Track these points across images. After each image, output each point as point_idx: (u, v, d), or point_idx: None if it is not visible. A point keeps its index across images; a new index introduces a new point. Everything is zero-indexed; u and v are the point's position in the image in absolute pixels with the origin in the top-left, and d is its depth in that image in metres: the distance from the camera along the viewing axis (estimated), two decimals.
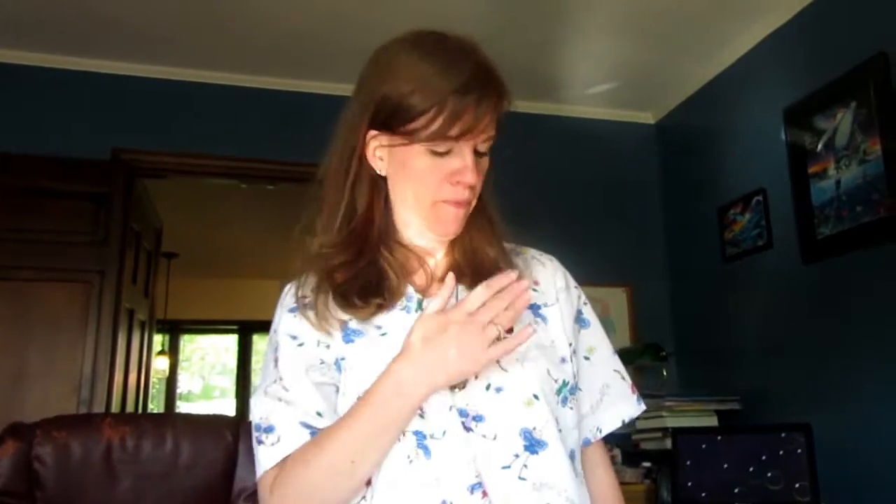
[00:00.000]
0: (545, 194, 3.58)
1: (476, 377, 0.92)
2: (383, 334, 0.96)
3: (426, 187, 0.97)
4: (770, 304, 2.98)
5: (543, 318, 1.03)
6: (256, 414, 0.96)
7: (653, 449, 3.05)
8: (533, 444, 0.92)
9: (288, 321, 1.00)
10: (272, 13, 2.95)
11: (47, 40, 3.14)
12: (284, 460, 0.91)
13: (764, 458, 2.52)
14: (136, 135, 3.27)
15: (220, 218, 5.46)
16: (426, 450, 0.90)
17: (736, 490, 2.51)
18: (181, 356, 8.28)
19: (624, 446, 3.20)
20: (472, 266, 1.03)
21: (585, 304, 1.12)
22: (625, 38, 3.21)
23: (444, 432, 0.90)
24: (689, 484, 2.63)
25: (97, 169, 3.16)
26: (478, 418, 0.92)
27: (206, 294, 7.18)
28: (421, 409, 0.90)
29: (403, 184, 0.99)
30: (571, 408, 1.00)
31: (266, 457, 0.92)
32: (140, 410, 3.88)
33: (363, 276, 0.99)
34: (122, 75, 3.33)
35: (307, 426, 0.92)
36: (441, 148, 0.94)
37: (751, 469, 2.52)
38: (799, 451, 2.46)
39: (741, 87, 3.26)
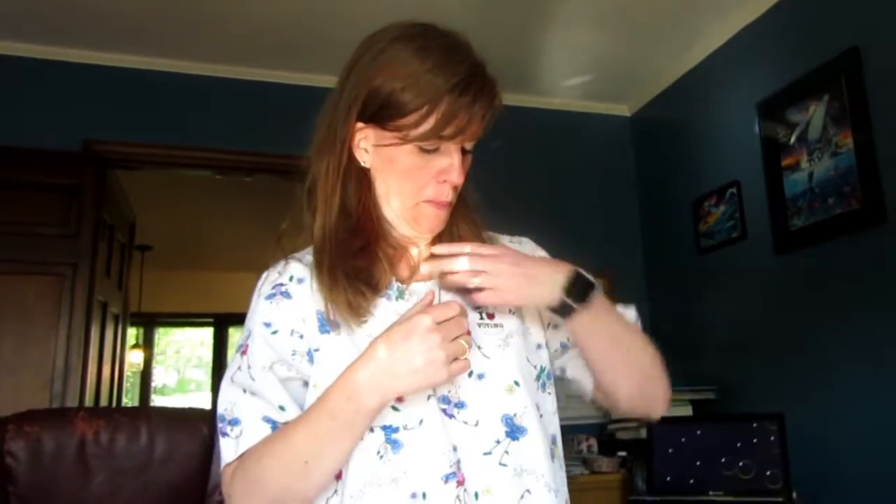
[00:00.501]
0: (521, 186, 3.59)
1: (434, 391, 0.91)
2: (364, 321, 0.95)
3: (411, 185, 0.97)
4: (744, 294, 3.02)
5: (518, 311, 1.03)
6: (222, 403, 0.95)
7: (628, 438, 3.08)
8: (514, 430, 0.92)
9: (264, 308, 0.98)
10: (249, 1, 2.92)
11: (16, 29, 3.08)
12: (243, 454, 0.91)
13: (737, 447, 2.55)
14: (108, 126, 3.22)
15: (195, 210, 5.41)
16: (395, 444, 0.89)
17: (709, 478, 2.55)
18: (156, 350, 8.20)
19: (600, 436, 3.23)
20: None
21: None
22: (601, 31, 3.22)
23: (420, 421, 0.90)
24: (664, 473, 2.66)
25: (68, 160, 3.11)
26: (460, 405, 0.92)
27: (182, 287, 7.12)
28: (398, 401, 0.89)
29: (388, 179, 0.98)
30: (550, 393, 1.01)
31: (228, 449, 0.92)
32: (114, 404, 3.85)
33: (362, 265, 0.98)
34: (95, 65, 3.28)
35: (269, 420, 0.91)
36: (430, 146, 0.94)
37: (724, 458, 2.56)
38: (772, 439, 2.49)
39: (716, 80, 3.29)
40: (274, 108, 3.37)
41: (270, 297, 0.99)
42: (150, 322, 7.71)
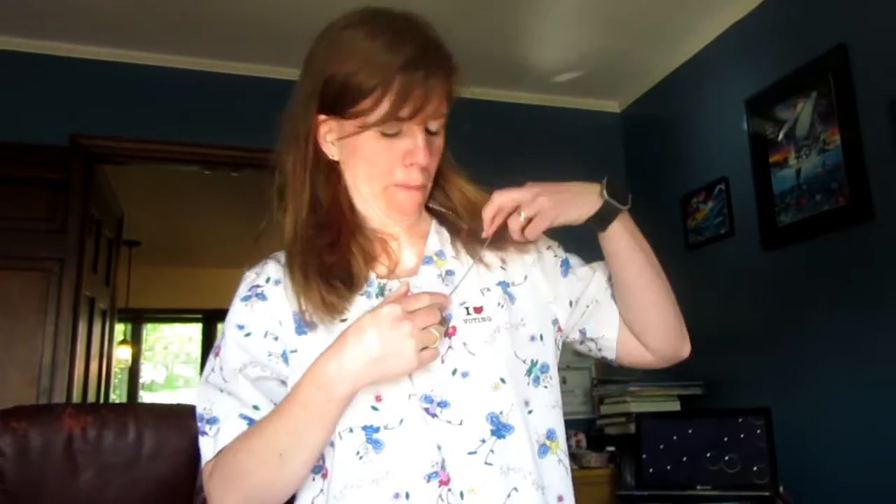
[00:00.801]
0: (510, 181, 3.58)
1: (410, 377, 0.90)
2: (343, 320, 0.94)
3: (378, 171, 0.96)
4: (732, 290, 3.04)
5: (511, 297, 1.00)
6: (200, 403, 0.96)
7: (617, 434, 3.09)
8: (500, 429, 0.91)
9: (238, 310, 0.98)
10: None
11: (1, 24, 3.05)
12: (221, 451, 0.91)
13: (724, 441, 2.57)
14: (95, 120, 3.20)
15: (184, 206, 5.38)
16: (376, 443, 0.89)
17: (696, 473, 2.56)
18: (144, 346, 8.17)
19: (588, 431, 3.24)
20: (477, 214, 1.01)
21: (561, 251, 1.11)
22: (591, 27, 3.23)
23: (401, 421, 0.89)
24: (652, 468, 2.67)
25: (55, 155, 3.09)
26: (443, 404, 0.90)
27: (170, 283, 7.08)
28: (377, 400, 0.89)
29: (355, 169, 0.98)
30: (546, 386, 0.98)
31: (207, 447, 0.93)
32: (102, 401, 3.83)
33: (333, 260, 0.97)
34: (82, 59, 3.25)
35: (245, 418, 0.92)
36: (391, 129, 0.92)
37: (711, 453, 2.57)
38: (758, 434, 2.51)
39: (705, 77, 3.30)
40: (262, 102, 3.32)
41: (246, 298, 0.99)
42: (138, 318, 7.67)
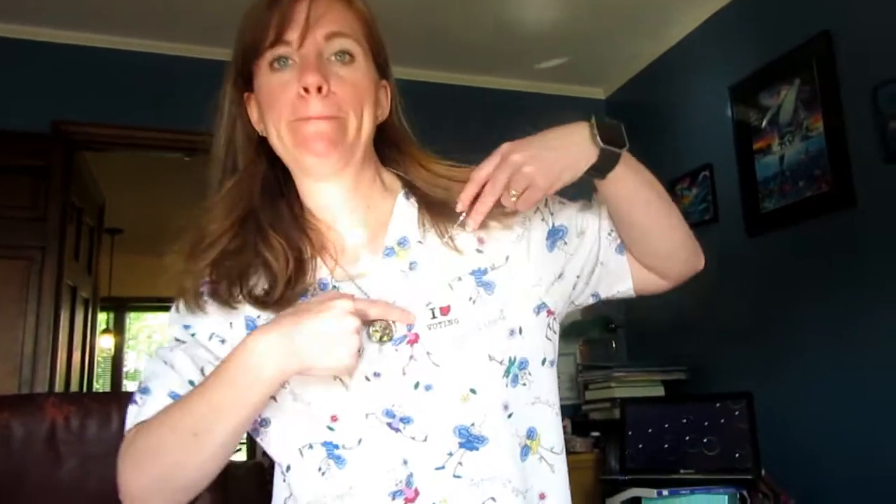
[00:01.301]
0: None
1: (350, 377, 0.84)
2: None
3: (278, 106, 0.87)
4: (715, 276, 3.03)
5: (487, 286, 0.89)
6: (143, 372, 0.91)
7: (601, 419, 3.11)
8: (470, 441, 0.84)
9: (183, 309, 0.93)
10: None
11: None
12: (140, 424, 0.86)
13: (707, 426, 2.59)
14: (77, 107, 3.15)
15: (166, 193, 5.32)
16: (338, 459, 0.84)
17: (680, 457, 2.58)
18: (127, 334, 8.12)
19: (573, 417, 3.26)
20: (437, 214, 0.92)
21: (550, 213, 0.97)
22: (576, 13, 3.22)
23: (359, 441, 0.84)
24: (636, 452, 2.69)
25: (36, 142, 3.05)
26: (405, 420, 0.84)
27: (153, 271, 7.00)
28: (332, 420, 0.84)
29: (268, 120, 0.90)
30: (525, 384, 0.89)
31: (130, 417, 0.88)
32: (85, 390, 3.80)
33: (246, 259, 0.90)
34: (64, 44, 3.20)
35: (174, 395, 0.86)
36: (280, 51, 0.87)
37: (694, 437, 2.59)
38: (741, 419, 2.53)
39: (689, 63, 3.30)
40: None
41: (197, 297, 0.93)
42: (121, 307, 7.62)
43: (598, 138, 0.86)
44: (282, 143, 0.89)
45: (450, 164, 0.98)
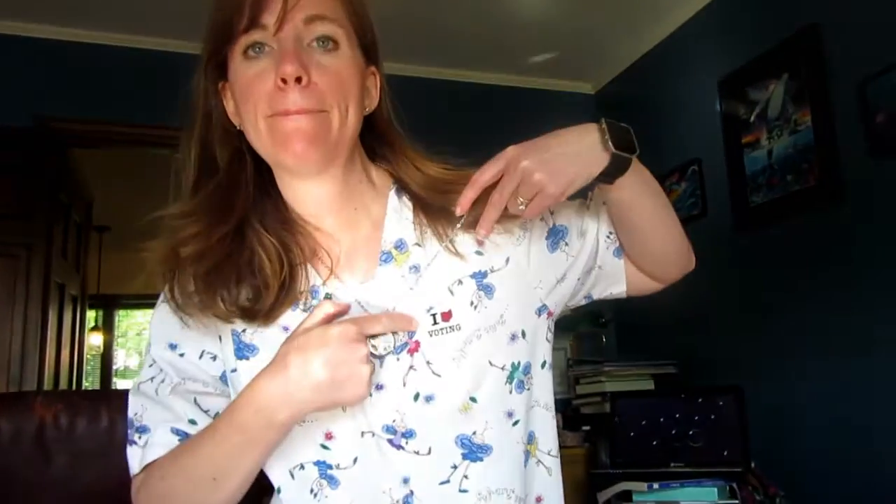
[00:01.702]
0: (481, 163, 3.58)
1: (363, 408, 0.80)
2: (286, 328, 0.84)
3: (254, 98, 0.80)
4: (705, 271, 3.04)
5: (487, 290, 0.86)
6: (131, 407, 0.87)
7: (592, 413, 3.12)
8: (474, 451, 0.82)
9: (166, 324, 0.87)
10: None
11: None
12: (149, 466, 0.83)
13: (697, 420, 2.60)
14: (64, 102, 3.12)
15: (155, 190, 5.29)
16: (331, 480, 0.81)
17: (670, 451, 2.59)
18: (117, 332, 8.08)
19: (564, 411, 3.27)
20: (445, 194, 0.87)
21: (550, 213, 0.93)
22: (566, 8, 3.21)
23: (354, 460, 0.81)
24: (626, 446, 2.70)
25: (22, 137, 3.02)
26: (408, 434, 0.80)
27: (142, 268, 6.99)
28: (326, 438, 0.81)
29: (243, 117, 0.83)
30: (529, 388, 0.87)
31: (134, 459, 0.85)
32: (74, 388, 3.78)
33: (231, 266, 0.83)
34: (49, 39, 3.17)
35: (178, 432, 0.83)
36: (256, 37, 0.79)
37: (684, 431, 2.61)
38: (731, 413, 2.55)
39: (678, 58, 3.31)
40: None
41: (173, 309, 0.86)
42: (110, 304, 7.59)
43: (610, 143, 0.80)
44: (259, 140, 0.82)
45: (443, 165, 0.92)
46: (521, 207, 0.79)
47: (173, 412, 0.84)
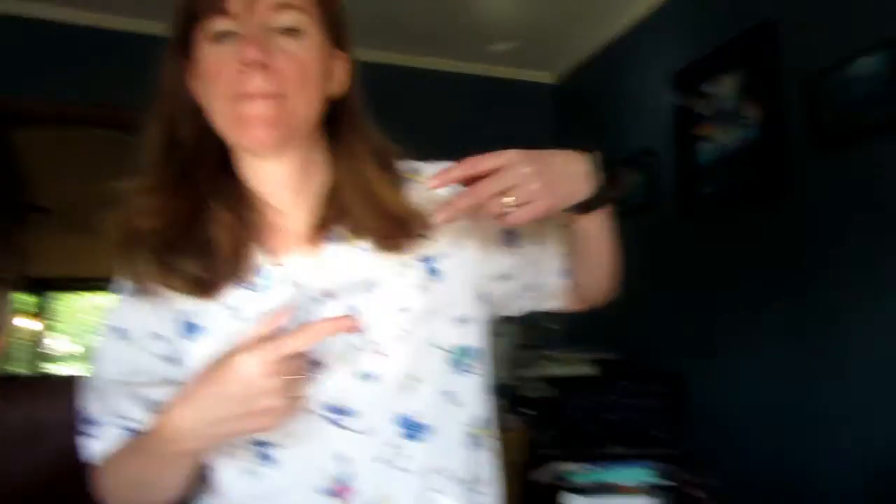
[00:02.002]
0: (439, 152, 3.56)
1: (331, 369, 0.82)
2: (237, 316, 0.84)
3: (216, 82, 0.80)
4: (651, 259, 3.11)
5: (436, 274, 0.88)
6: (82, 401, 0.89)
7: (535, 397, 3.16)
8: (413, 430, 0.83)
9: (116, 312, 0.89)
10: None
11: None
12: (106, 461, 0.87)
13: (638, 404, 2.66)
14: (3, 80, 2.99)
15: (99, 171, 5.14)
16: (267, 458, 0.82)
17: (610, 434, 2.64)
18: (51, 316, 7.85)
19: (508, 395, 3.29)
20: (377, 215, 0.85)
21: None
22: None
23: (293, 439, 0.82)
24: (568, 429, 2.75)
25: None
26: (347, 412, 0.81)
27: (81, 251, 6.79)
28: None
29: (206, 97, 0.83)
30: (471, 371, 0.89)
31: (88, 450, 0.88)
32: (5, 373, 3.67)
33: (192, 234, 0.84)
34: None
35: (126, 429, 0.86)
36: (220, 26, 0.80)
37: (625, 415, 2.66)
38: (671, 398, 2.61)
39: (636, 50, 3.34)
40: None
41: (127, 291, 0.88)
42: (46, 287, 7.36)
43: (602, 179, 0.83)
44: (220, 122, 0.82)
45: (394, 184, 0.89)
46: (506, 210, 0.76)
47: (119, 409, 0.86)
